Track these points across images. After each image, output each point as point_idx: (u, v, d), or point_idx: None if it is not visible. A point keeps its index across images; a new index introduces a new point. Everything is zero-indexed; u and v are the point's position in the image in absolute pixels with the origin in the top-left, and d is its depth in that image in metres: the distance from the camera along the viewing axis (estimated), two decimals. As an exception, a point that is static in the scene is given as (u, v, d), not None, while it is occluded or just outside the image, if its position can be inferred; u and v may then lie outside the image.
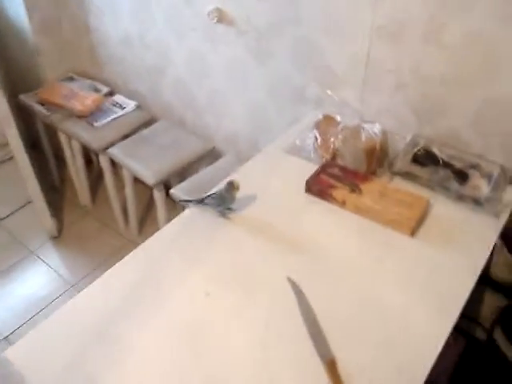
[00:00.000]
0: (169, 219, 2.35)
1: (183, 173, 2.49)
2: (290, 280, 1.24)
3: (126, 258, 1.34)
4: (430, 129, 1.69)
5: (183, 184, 2.29)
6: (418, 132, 1.70)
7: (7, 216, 3.12)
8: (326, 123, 1.75)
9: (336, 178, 1.54)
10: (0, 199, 3.22)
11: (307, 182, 1.54)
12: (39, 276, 2.75)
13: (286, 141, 1.78)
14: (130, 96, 2.85)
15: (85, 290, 1.24)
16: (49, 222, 2.86)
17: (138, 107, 2.78)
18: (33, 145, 3.20)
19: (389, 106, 1.75)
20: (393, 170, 1.59)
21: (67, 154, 2.91)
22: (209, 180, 2.08)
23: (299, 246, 1.36)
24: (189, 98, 2.54)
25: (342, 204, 1.48)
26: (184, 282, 1.27)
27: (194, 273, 1.29)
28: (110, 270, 1.30)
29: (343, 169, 1.58)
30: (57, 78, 3.01)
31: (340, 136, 1.63)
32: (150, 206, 2.99)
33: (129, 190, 2.63)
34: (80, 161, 2.87)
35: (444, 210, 1.46)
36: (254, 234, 1.41)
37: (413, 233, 1.37)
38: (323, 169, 1.58)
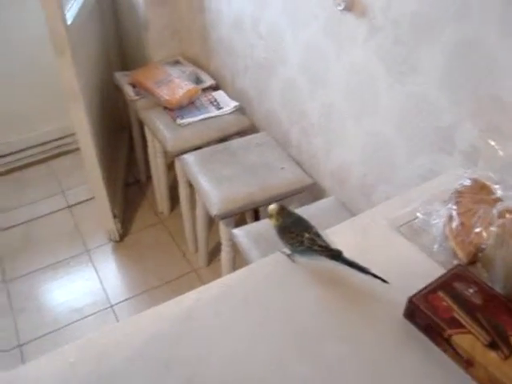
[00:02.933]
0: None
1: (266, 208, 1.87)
2: None
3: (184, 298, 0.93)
4: None
5: (255, 225, 1.67)
6: None
7: (78, 203, 2.74)
8: (473, 195, 1.01)
9: (468, 307, 0.81)
10: (75, 184, 2.85)
11: (410, 302, 0.83)
12: (82, 282, 2.34)
13: (402, 207, 1.08)
14: (235, 96, 2.29)
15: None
16: (110, 224, 2.40)
17: (239, 110, 2.20)
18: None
19: None
20: None
21: (150, 148, 2.43)
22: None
23: None
24: (298, 110, 1.90)
25: (467, 364, 0.76)
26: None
27: None
28: (162, 306, 0.91)
29: (486, 292, 0.84)
30: (163, 60, 2.55)
31: (494, 228, 0.89)
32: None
33: (200, 212, 2.06)
34: (161, 160, 2.37)
35: None
36: None
37: None
38: (448, 281, 0.86)
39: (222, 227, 1.80)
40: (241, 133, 2.14)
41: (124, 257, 2.44)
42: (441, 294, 0.84)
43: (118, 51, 2.93)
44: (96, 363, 0.82)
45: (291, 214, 1.02)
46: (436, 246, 0.97)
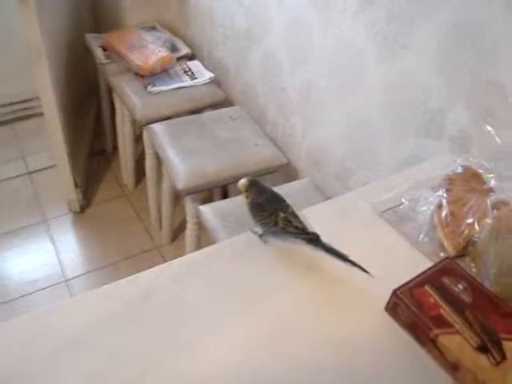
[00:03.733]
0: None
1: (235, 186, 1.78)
2: None
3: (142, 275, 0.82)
4: None
5: (223, 203, 1.57)
6: None
7: (39, 170, 2.59)
8: (464, 183, 0.94)
9: (456, 304, 0.74)
10: (37, 149, 2.69)
11: (395, 295, 0.75)
12: (37, 254, 2.21)
13: (386, 192, 1.00)
14: (211, 67, 2.18)
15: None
16: (71, 194, 2.27)
17: (214, 82, 2.09)
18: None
19: None
20: None
21: (118, 116, 2.30)
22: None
23: None
24: (277, 84, 1.80)
25: (453, 368, 0.69)
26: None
27: None
28: (114, 284, 0.81)
29: (476, 288, 0.77)
30: (138, 25, 2.41)
31: (489, 220, 0.82)
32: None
33: (166, 185, 1.95)
34: (129, 129, 2.24)
35: None
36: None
37: None
38: (436, 275, 0.78)
39: (188, 203, 1.70)
40: (214, 105, 2.03)
41: (84, 229, 2.32)
42: (428, 288, 0.76)
43: (91, 11, 2.76)
44: (36, 343, 0.72)
45: (265, 190, 0.93)
46: (422, 236, 0.89)
